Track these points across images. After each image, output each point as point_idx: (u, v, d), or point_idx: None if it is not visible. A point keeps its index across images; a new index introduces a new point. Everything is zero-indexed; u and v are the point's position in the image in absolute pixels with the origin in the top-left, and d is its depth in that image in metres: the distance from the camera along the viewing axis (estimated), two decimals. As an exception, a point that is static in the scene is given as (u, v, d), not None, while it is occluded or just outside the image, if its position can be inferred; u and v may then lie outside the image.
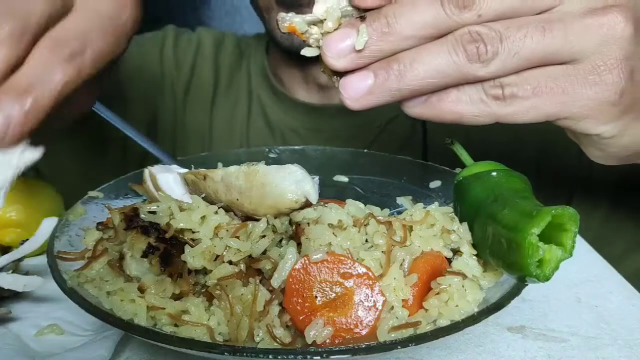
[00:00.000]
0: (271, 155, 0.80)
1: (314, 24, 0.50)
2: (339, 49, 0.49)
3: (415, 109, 0.52)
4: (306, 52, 0.52)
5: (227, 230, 0.55)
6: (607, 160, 0.59)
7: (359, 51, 0.49)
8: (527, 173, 0.57)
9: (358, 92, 0.50)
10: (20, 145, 0.44)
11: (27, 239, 0.69)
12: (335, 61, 0.50)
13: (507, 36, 0.48)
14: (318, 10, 0.49)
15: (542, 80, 0.50)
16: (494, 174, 0.56)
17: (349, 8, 0.50)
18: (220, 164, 0.71)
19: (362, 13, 0.50)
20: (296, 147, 0.81)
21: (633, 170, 0.66)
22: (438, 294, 0.51)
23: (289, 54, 0.98)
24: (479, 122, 0.52)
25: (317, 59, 0.53)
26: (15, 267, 0.66)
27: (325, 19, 0.50)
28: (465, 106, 0.51)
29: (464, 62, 0.48)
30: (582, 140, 0.56)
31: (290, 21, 0.50)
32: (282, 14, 0.50)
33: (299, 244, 0.53)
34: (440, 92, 0.51)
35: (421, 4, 0.48)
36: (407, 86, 0.50)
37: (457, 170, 0.62)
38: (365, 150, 0.80)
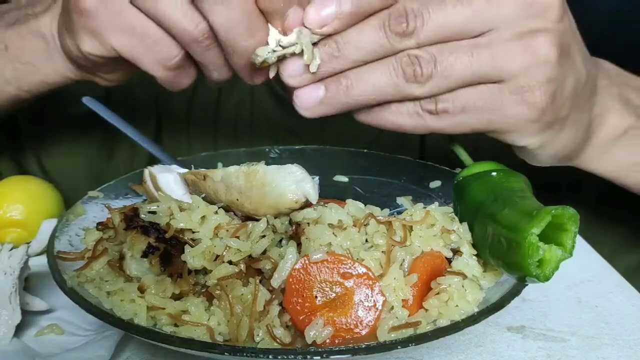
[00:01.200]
0: (271, 155, 0.80)
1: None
2: (294, 70, 0.56)
3: (361, 117, 0.59)
4: (271, 73, 0.58)
5: (227, 230, 0.55)
6: (542, 164, 0.65)
7: (312, 73, 0.55)
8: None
9: (310, 102, 0.57)
10: None
11: (30, 242, 0.69)
12: (292, 80, 0.57)
13: (441, 60, 0.54)
14: (291, 38, 0.55)
15: (471, 99, 0.55)
16: (494, 174, 0.56)
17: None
18: (220, 164, 0.72)
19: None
20: (296, 147, 0.81)
21: (611, 184, 0.71)
22: (438, 294, 0.51)
23: None
24: (416, 132, 0.58)
25: None
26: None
27: (294, 45, 0.55)
28: (404, 118, 0.57)
29: (403, 82, 0.54)
30: (514, 149, 0.62)
31: (262, 58, 0.56)
32: (258, 50, 0.56)
33: (299, 244, 0.53)
34: (383, 104, 0.57)
35: (366, 32, 0.54)
36: (353, 100, 0.56)
37: (457, 170, 0.62)
38: (365, 150, 0.80)
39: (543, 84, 0.55)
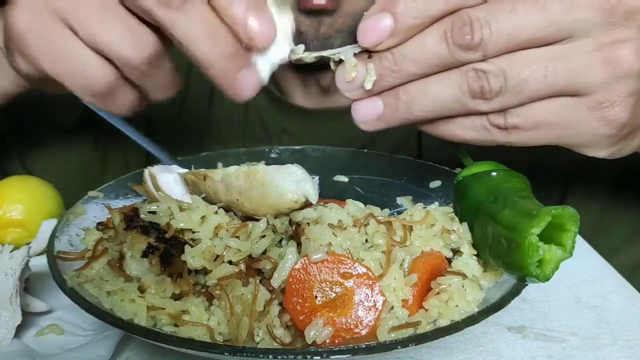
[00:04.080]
0: (271, 155, 0.79)
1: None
2: (349, 85, 0.52)
3: (425, 128, 0.55)
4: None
5: (227, 230, 0.55)
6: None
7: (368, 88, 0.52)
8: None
9: (368, 117, 0.53)
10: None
11: (30, 242, 0.69)
12: (347, 93, 0.53)
13: (511, 75, 0.49)
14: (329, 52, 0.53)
15: (544, 114, 0.51)
16: (494, 174, 0.56)
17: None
18: (220, 164, 0.71)
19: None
20: (296, 147, 0.80)
21: (631, 164, 0.67)
22: (438, 294, 0.51)
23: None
24: (482, 144, 0.54)
25: (317, 64, 0.56)
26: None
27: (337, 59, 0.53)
28: (469, 131, 0.53)
29: (468, 98, 0.50)
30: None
31: (297, 56, 0.55)
32: (295, 47, 0.54)
33: (299, 244, 0.53)
34: (448, 117, 0.53)
35: (427, 44, 0.49)
36: (413, 116, 0.52)
37: (457, 170, 0.62)
38: (365, 150, 0.80)
39: (624, 98, 0.50)
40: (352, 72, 0.51)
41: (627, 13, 0.49)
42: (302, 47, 0.55)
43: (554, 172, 0.96)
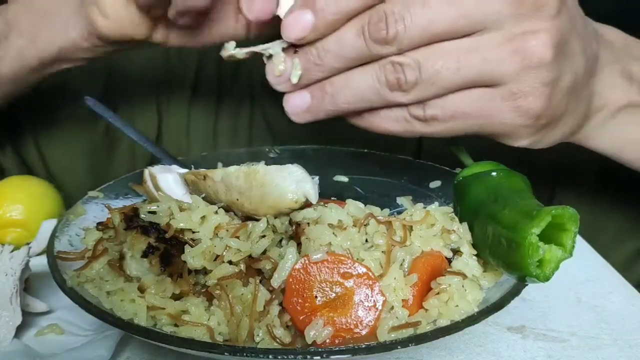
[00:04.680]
0: (271, 155, 0.80)
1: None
2: (278, 79, 0.55)
3: (353, 121, 0.57)
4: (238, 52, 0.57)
5: (227, 230, 0.55)
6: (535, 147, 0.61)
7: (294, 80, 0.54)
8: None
9: (297, 109, 0.56)
10: None
11: (30, 242, 0.69)
12: (277, 86, 0.56)
13: (426, 67, 0.51)
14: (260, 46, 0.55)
15: (461, 105, 0.53)
16: (494, 174, 0.56)
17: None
18: (220, 164, 0.71)
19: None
20: (296, 147, 0.81)
21: (612, 162, 0.68)
22: (438, 294, 0.51)
23: None
24: (406, 136, 0.56)
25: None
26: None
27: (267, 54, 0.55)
28: (393, 123, 0.55)
29: (386, 90, 0.52)
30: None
31: (229, 52, 0.57)
32: (227, 44, 0.57)
33: (299, 244, 0.53)
34: (373, 109, 0.55)
35: (346, 38, 0.52)
36: (339, 108, 0.55)
37: (457, 170, 0.62)
38: (365, 150, 0.80)
39: (537, 88, 0.52)
40: (280, 66, 0.54)
41: (537, 4, 0.50)
42: (233, 43, 0.57)
43: (541, 173, 0.96)
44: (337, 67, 0.53)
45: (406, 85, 0.52)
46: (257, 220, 0.55)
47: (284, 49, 0.54)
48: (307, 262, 0.50)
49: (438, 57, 0.51)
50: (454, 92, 0.53)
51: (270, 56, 0.55)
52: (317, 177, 0.58)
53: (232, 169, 0.57)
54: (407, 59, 0.51)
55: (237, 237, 0.54)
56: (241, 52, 0.56)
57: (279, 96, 1.09)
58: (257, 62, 0.57)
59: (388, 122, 0.56)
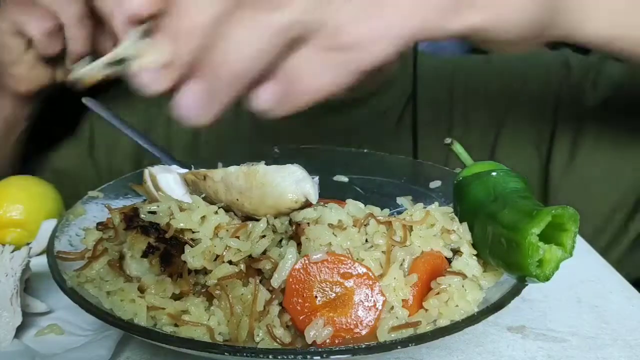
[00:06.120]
0: (271, 155, 0.79)
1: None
2: (148, 77, 0.48)
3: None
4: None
5: (227, 230, 0.55)
6: (524, 43, 0.57)
7: (167, 67, 0.48)
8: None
9: (191, 107, 0.50)
10: None
11: (30, 243, 0.69)
12: (155, 87, 0.49)
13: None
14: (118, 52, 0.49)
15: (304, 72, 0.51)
16: (494, 174, 0.56)
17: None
18: (220, 164, 0.71)
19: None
20: (296, 147, 0.81)
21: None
22: (438, 294, 0.51)
23: None
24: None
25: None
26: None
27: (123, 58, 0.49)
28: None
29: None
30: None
31: (80, 74, 0.50)
32: (74, 66, 0.52)
33: (299, 244, 0.53)
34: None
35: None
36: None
37: (457, 170, 0.62)
38: (365, 150, 0.80)
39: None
40: (150, 57, 0.48)
41: None
42: (86, 60, 0.53)
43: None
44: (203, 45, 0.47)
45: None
46: (257, 220, 0.55)
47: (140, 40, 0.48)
48: (307, 262, 0.50)
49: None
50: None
51: (128, 60, 0.48)
52: (317, 177, 0.58)
53: (232, 169, 0.57)
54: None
55: (237, 237, 0.54)
56: (99, 70, 0.49)
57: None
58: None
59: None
